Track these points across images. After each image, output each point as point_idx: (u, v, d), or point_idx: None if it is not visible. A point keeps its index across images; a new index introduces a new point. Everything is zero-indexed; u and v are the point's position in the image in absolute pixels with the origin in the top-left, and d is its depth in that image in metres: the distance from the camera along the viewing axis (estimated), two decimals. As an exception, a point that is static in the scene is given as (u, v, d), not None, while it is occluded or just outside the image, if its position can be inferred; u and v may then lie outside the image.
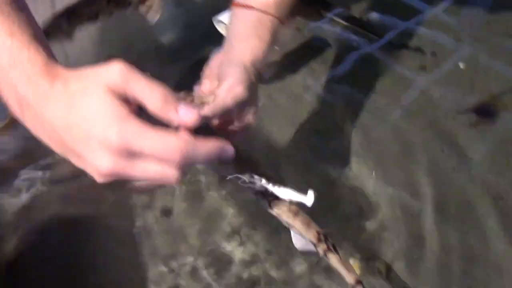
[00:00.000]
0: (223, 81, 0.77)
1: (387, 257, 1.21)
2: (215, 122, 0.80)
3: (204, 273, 1.19)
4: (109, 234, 1.23)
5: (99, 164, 0.52)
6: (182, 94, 0.80)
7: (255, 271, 1.19)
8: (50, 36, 1.21)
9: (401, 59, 1.63)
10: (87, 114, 0.52)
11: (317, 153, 1.40)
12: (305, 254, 0.80)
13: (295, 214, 0.77)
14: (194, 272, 1.19)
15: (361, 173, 1.36)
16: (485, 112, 1.49)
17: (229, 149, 0.59)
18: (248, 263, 1.20)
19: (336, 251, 0.76)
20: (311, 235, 0.77)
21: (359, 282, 0.74)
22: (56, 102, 0.53)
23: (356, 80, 1.57)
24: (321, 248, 0.76)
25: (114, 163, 0.52)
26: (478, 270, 1.19)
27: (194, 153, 0.54)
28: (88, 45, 1.25)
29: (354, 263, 1.18)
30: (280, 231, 1.17)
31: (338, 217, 1.28)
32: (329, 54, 1.63)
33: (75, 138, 0.53)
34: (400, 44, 1.66)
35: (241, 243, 1.23)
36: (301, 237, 0.78)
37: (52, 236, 1.22)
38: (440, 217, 1.27)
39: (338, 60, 1.62)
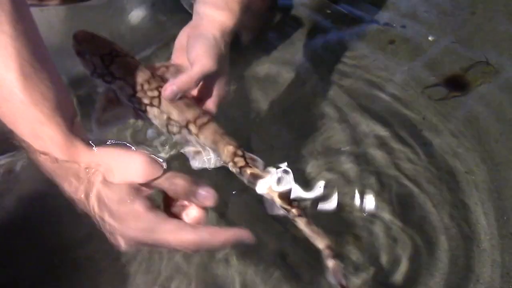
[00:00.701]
0: (191, 54, 0.77)
1: (357, 230, 1.23)
2: (191, 94, 0.81)
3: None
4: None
5: (123, 247, 0.61)
6: (158, 64, 0.82)
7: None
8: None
9: (370, 34, 1.63)
10: (112, 208, 0.57)
11: (289, 131, 1.40)
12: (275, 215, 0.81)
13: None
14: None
15: (333, 151, 1.37)
16: (455, 85, 1.51)
17: (247, 237, 0.63)
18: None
19: (306, 215, 0.78)
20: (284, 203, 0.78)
21: (329, 246, 0.76)
22: (76, 183, 0.59)
23: (326, 57, 1.57)
24: (292, 214, 0.78)
25: (135, 247, 0.61)
26: (449, 241, 1.22)
27: (208, 246, 0.59)
28: (57, 24, 1.21)
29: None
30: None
31: (310, 191, 1.28)
32: (302, 32, 1.63)
33: (99, 219, 0.60)
34: (370, 19, 1.66)
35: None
36: (273, 203, 0.80)
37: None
38: (412, 191, 1.30)
39: (310, 37, 1.61)
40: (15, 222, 1.21)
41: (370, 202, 1.28)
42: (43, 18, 1.20)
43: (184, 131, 0.78)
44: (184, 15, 1.28)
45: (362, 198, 1.29)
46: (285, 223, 1.23)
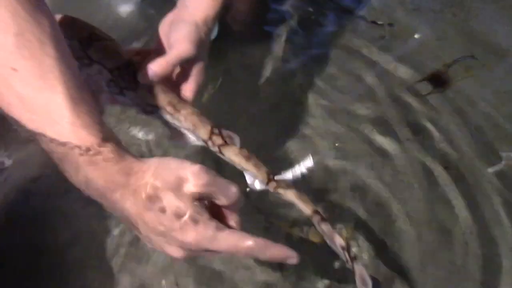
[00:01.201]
0: (171, 38, 0.78)
1: (348, 225, 1.26)
2: (168, 78, 0.81)
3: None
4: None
5: (174, 254, 0.60)
6: (138, 49, 0.84)
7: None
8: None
9: (359, 30, 1.65)
10: (168, 219, 0.56)
11: (275, 125, 1.42)
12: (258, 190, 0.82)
13: (247, 157, 0.79)
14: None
15: (321, 144, 1.39)
16: (440, 80, 1.54)
17: (292, 257, 0.62)
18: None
19: (288, 186, 0.80)
20: (262, 176, 0.80)
21: (316, 211, 0.78)
22: (132, 197, 0.57)
23: (314, 52, 1.58)
24: (272, 186, 0.80)
25: (188, 255, 0.60)
26: (430, 234, 1.26)
27: (258, 254, 0.60)
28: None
29: (315, 231, 1.23)
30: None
31: (298, 187, 1.30)
32: (288, 27, 1.63)
33: (153, 230, 0.58)
34: (359, 15, 1.67)
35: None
36: (254, 178, 0.81)
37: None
38: (397, 185, 1.33)
39: (298, 32, 1.62)
40: (1, 223, 1.21)
41: (357, 194, 1.31)
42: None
43: (162, 112, 0.79)
44: (172, 8, 1.29)
45: (351, 191, 1.31)
46: (275, 218, 1.26)
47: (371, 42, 1.62)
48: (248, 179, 0.83)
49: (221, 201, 0.60)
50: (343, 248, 0.76)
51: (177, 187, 0.56)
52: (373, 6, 1.71)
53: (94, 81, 0.78)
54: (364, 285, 0.74)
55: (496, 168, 1.37)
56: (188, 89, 0.82)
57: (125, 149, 0.60)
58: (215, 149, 0.79)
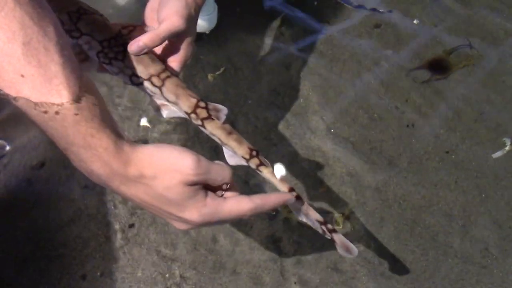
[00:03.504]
0: (161, 13, 0.79)
1: (345, 209, 1.27)
2: (157, 51, 0.82)
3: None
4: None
5: (181, 228, 0.67)
6: (125, 24, 0.84)
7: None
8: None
9: (356, 18, 1.65)
10: (169, 201, 0.62)
11: (275, 111, 1.43)
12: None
13: (229, 132, 0.80)
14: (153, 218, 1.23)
15: (319, 130, 1.40)
16: (438, 68, 1.54)
17: (289, 198, 0.72)
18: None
19: (267, 164, 0.80)
20: (243, 151, 0.80)
21: (291, 189, 0.78)
22: (133, 185, 0.62)
23: (312, 39, 1.59)
24: (253, 163, 0.79)
25: (194, 228, 0.67)
26: (429, 218, 1.26)
27: (262, 210, 0.67)
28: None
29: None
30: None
31: (296, 172, 1.32)
32: (287, 18, 1.64)
33: (159, 212, 0.65)
34: (357, 4, 1.67)
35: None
36: (234, 154, 0.81)
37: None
38: (394, 170, 1.33)
39: (295, 21, 1.63)
40: (2, 205, 1.23)
41: (354, 179, 1.31)
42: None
43: (147, 84, 0.80)
44: None
45: (348, 176, 1.32)
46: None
47: (369, 30, 1.62)
48: (227, 154, 0.83)
49: (217, 183, 0.66)
50: (320, 223, 0.78)
51: (174, 176, 0.61)
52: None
53: (84, 51, 0.80)
54: (348, 252, 0.76)
55: (499, 153, 1.37)
56: (175, 61, 0.84)
57: (124, 138, 0.63)
58: (197, 122, 0.79)
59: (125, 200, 1.25)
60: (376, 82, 1.50)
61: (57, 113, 0.58)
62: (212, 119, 0.79)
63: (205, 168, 0.63)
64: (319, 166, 1.33)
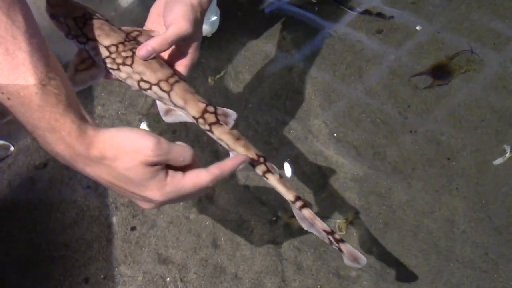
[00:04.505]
0: (167, 17, 0.80)
1: (348, 215, 1.27)
2: (164, 56, 0.83)
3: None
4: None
5: (145, 207, 0.70)
6: (131, 28, 0.84)
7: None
8: None
9: (358, 24, 1.65)
10: (131, 181, 0.65)
11: (276, 115, 1.43)
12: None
13: (237, 138, 0.79)
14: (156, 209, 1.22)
15: (322, 134, 1.40)
16: (440, 73, 1.54)
17: (244, 159, 0.75)
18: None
19: (274, 171, 0.80)
20: (251, 157, 0.79)
21: (298, 197, 0.78)
22: (96, 167, 0.65)
23: (313, 44, 1.59)
24: (260, 169, 0.79)
25: (158, 207, 0.70)
26: (431, 224, 1.27)
27: (222, 178, 0.70)
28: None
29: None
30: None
31: (298, 177, 1.32)
32: (289, 21, 1.64)
33: (123, 192, 0.68)
34: (362, 9, 1.68)
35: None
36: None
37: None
38: (398, 176, 1.34)
39: (297, 25, 1.63)
40: (6, 206, 1.23)
41: (357, 184, 1.31)
42: (32, 3, 1.20)
43: (155, 88, 0.80)
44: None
45: (351, 181, 1.32)
46: (275, 208, 1.26)
47: (371, 35, 1.62)
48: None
49: (178, 164, 0.68)
50: (327, 232, 0.77)
51: (134, 157, 0.64)
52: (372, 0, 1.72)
53: (91, 57, 0.80)
54: (355, 262, 0.76)
55: (500, 160, 1.37)
56: (182, 65, 0.84)
57: (88, 122, 0.66)
58: (205, 127, 0.79)
59: (125, 202, 1.25)
60: (379, 86, 1.50)
61: (23, 98, 0.61)
62: (220, 124, 0.79)
63: (165, 149, 0.65)
64: (321, 171, 1.33)
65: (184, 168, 0.69)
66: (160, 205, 0.69)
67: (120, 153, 0.64)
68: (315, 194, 1.29)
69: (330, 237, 0.78)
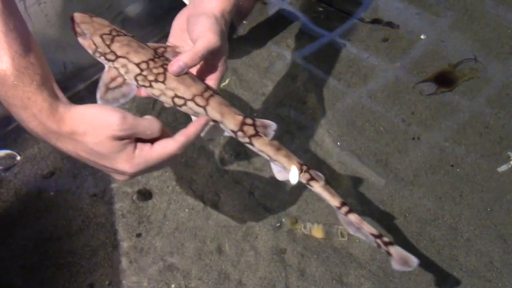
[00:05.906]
0: (194, 31, 0.80)
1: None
2: (193, 70, 0.84)
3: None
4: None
5: (119, 179, 0.75)
6: (155, 45, 0.84)
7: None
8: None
9: (364, 32, 1.67)
10: (101, 155, 0.70)
11: (280, 123, 1.42)
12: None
13: (278, 148, 0.80)
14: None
15: (325, 143, 1.40)
16: (444, 80, 1.55)
17: (206, 120, 0.78)
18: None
19: (319, 179, 0.81)
20: (294, 167, 0.80)
21: (343, 203, 0.79)
22: (68, 142, 0.70)
23: (318, 52, 1.60)
24: (304, 178, 0.81)
25: (131, 177, 0.75)
26: (434, 231, 1.26)
27: (188, 143, 0.74)
28: (54, 18, 1.24)
29: (317, 227, 1.24)
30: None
31: (302, 185, 1.31)
32: (294, 30, 1.65)
33: (96, 166, 0.72)
34: (369, 20, 1.69)
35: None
36: (283, 169, 0.82)
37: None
38: (400, 184, 1.34)
39: (302, 35, 1.64)
40: (13, 214, 1.25)
41: (360, 191, 1.32)
42: (40, 12, 1.23)
43: (191, 104, 0.79)
44: (181, 8, 1.31)
45: (354, 189, 1.32)
46: (279, 215, 1.27)
47: (376, 44, 1.63)
48: (275, 170, 0.83)
49: (147, 136, 0.72)
50: (374, 236, 0.77)
51: (102, 132, 0.68)
52: (377, 10, 1.73)
53: (121, 75, 0.80)
54: (405, 265, 0.75)
55: (505, 167, 1.37)
56: (212, 79, 0.85)
57: (60, 100, 0.70)
58: (245, 140, 0.79)
59: (131, 209, 1.26)
60: (383, 94, 1.51)
61: None
62: (260, 136, 0.79)
63: (130, 124, 0.70)
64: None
65: (154, 140, 0.73)
66: (133, 176, 0.73)
67: (89, 128, 0.68)
68: (318, 200, 1.29)
69: (378, 241, 0.77)
